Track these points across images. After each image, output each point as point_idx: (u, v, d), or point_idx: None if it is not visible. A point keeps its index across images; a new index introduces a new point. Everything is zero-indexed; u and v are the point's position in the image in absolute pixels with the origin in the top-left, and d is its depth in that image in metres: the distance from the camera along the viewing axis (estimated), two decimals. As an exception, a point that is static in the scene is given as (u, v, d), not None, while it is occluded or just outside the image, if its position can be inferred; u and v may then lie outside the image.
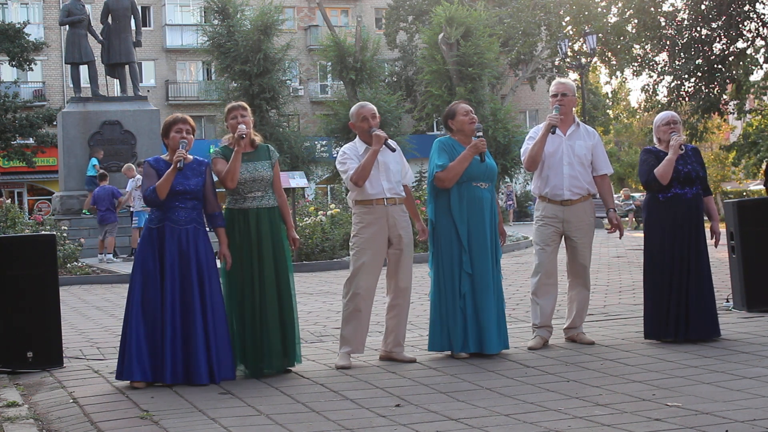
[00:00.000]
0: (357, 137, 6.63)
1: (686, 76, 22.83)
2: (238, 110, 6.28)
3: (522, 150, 7.10)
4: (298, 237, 6.53)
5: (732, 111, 26.47)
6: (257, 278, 6.14)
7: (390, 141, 6.50)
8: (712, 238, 7.17)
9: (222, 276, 6.22)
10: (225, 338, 6.07)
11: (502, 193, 36.01)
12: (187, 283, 6.00)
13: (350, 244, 6.62)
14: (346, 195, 6.68)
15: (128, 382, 5.96)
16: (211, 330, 6.00)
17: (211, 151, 6.75)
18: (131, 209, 17.98)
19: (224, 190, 6.37)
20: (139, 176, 17.66)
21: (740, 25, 22.47)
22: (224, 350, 6.04)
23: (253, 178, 6.20)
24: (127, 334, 5.96)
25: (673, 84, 23.37)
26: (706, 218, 7.13)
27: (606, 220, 7.60)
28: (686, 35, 22.85)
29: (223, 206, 6.40)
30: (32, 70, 38.40)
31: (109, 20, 21.58)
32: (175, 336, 5.93)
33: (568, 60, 32.74)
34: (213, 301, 6.05)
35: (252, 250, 6.15)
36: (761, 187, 43.45)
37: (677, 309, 6.83)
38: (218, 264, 6.29)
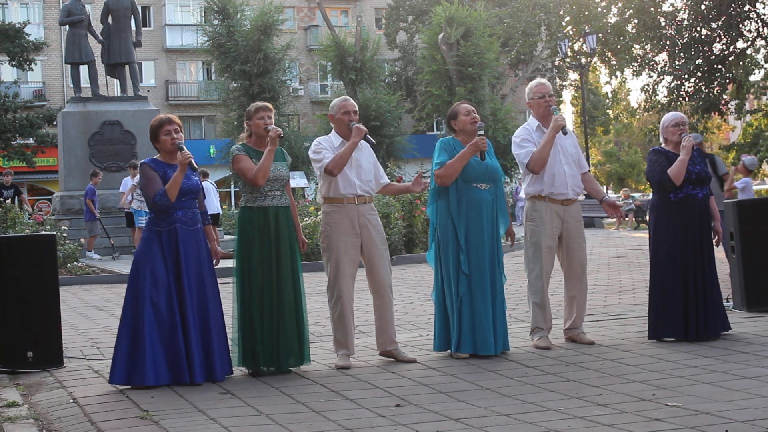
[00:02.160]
0: (333, 131, 6.63)
1: (686, 76, 22.86)
2: (265, 111, 6.28)
3: (522, 153, 6.93)
4: (306, 240, 6.55)
5: (732, 111, 26.49)
6: (275, 276, 6.16)
7: (368, 135, 6.53)
8: (714, 237, 7.20)
9: (237, 275, 6.22)
10: (224, 334, 6.14)
11: None
12: (201, 282, 6.04)
13: (321, 246, 6.57)
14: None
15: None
16: (216, 327, 6.06)
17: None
18: (130, 209, 17.84)
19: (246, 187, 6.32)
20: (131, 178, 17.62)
21: (740, 25, 22.50)
22: (226, 347, 6.12)
23: (275, 177, 6.23)
24: (138, 338, 5.85)
25: (673, 84, 23.40)
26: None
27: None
28: (686, 35, 22.88)
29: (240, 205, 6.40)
30: (32, 70, 38.38)
31: (109, 20, 21.56)
32: (196, 336, 5.94)
33: (568, 60, 32.77)
34: (216, 298, 6.12)
35: (271, 247, 6.17)
36: (762, 186, 43.43)
37: (694, 309, 6.83)
38: (218, 264, 6.30)
